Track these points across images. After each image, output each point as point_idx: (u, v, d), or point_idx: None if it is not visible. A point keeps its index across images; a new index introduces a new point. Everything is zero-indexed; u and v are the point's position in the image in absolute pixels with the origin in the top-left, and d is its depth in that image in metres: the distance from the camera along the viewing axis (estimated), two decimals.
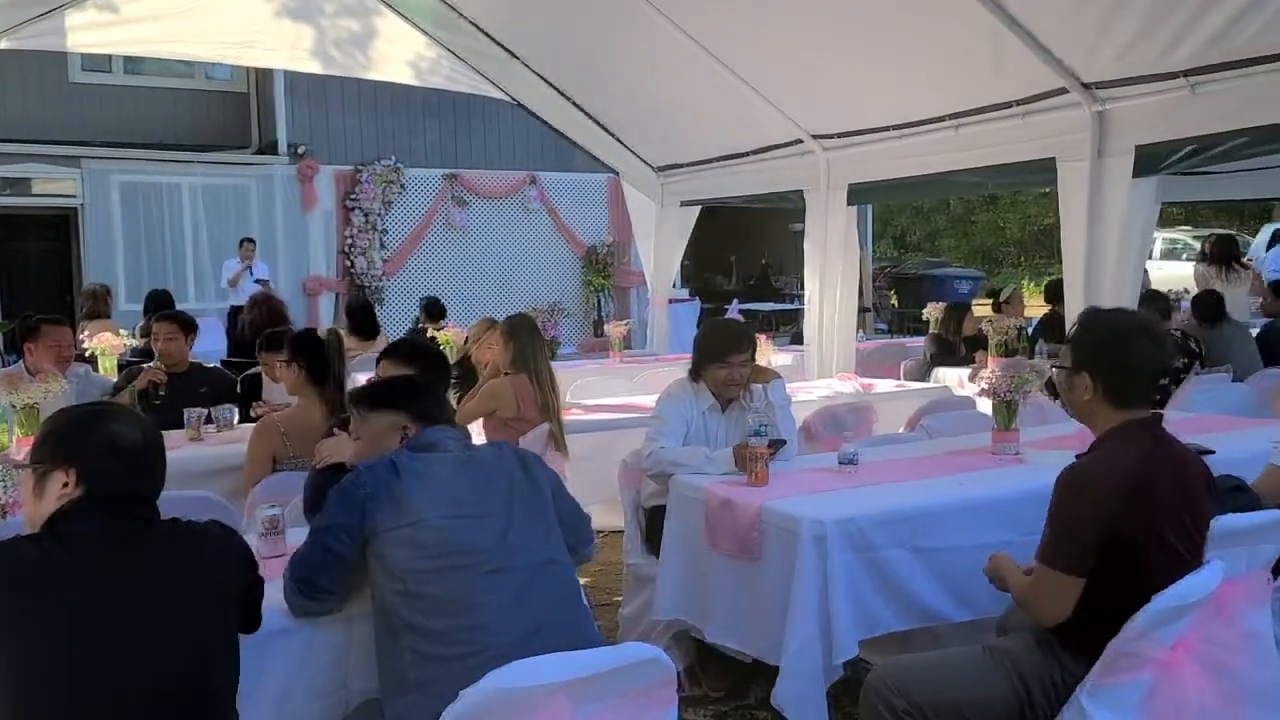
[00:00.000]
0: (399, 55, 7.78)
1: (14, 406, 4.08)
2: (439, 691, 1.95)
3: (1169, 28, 4.65)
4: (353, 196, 13.52)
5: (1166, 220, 23.14)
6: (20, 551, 1.80)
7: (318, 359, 3.82)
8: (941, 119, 6.04)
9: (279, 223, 13.39)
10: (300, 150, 13.43)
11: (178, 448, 4.29)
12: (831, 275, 7.13)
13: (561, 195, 13.96)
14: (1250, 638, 2.73)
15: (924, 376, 7.01)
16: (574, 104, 8.17)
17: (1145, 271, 11.00)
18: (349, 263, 13.52)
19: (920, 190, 7.66)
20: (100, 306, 8.27)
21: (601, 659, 1.94)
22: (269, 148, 13.72)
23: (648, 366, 6.98)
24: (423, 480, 2.26)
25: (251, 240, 12.03)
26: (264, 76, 13.65)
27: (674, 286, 12.63)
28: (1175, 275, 16.62)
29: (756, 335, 6.01)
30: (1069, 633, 2.44)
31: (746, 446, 3.45)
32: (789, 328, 13.02)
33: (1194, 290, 10.07)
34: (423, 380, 2.81)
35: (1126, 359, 2.50)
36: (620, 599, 4.11)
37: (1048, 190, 5.66)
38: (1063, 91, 5.33)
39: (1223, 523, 2.73)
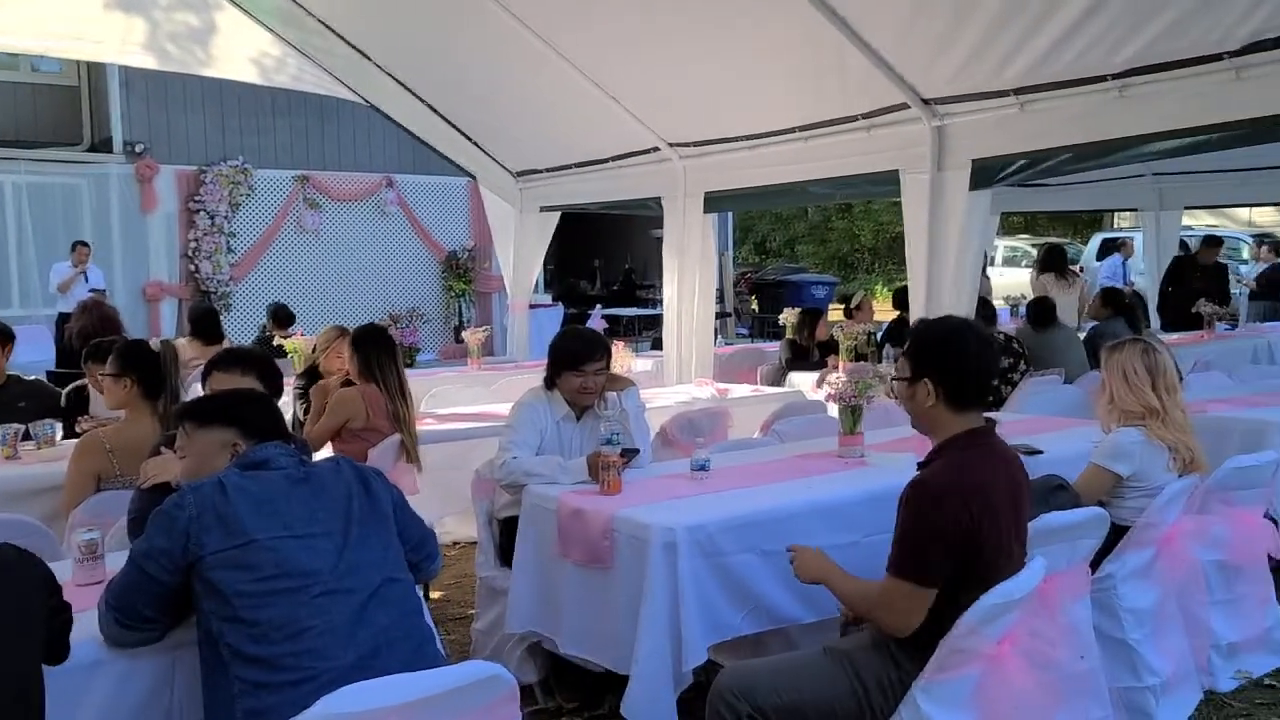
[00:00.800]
0: (241, 52, 7.46)
1: None
2: None
3: (999, 49, 4.89)
4: (197, 198, 12.90)
5: (1008, 229, 24.43)
6: None
7: (151, 372, 3.62)
8: (792, 130, 6.20)
9: (115, 225, 12.66)
10: (138, 149, 12.73)
11: None
12: (689, 282, 7.21)
13: (420, 198, 13.66)
14: (1070, 629, 2.89)
15: (779, 381, 7.17)
16: (429, 107, 8.03)
17: (987, 278, 11.64)
18: (193, 267, 12.90)
19: (773, 199, 7.84)
20: None
21: (440, 679, 1.89)
22: (103, 145, 12.97)
23: (507, 374, 6.91)
24: (253, 500, 2.16)
25: (85, 244, 11.34)
26: (96, 70, 12.89)
27: (536, 292, 12.58)
28: (1015, 282, 17.56)
29: (614, 342, 6.06)
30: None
31: (599, 455, 3.44)
32: (652, 332, 13.13)
33: (1030, 296, 10.66)
34: (255, 392, 2.69)
35: (963, 363, 2.60)
36: (475, 612, 4.04)
37: (898, 199, 5.87)
38: (904, 107, 5.54)
39: (1045, 521, 2.88)
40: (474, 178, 8.88)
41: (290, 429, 3.33)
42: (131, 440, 3.47)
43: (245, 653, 2.03)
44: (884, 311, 11.78)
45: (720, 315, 15.35)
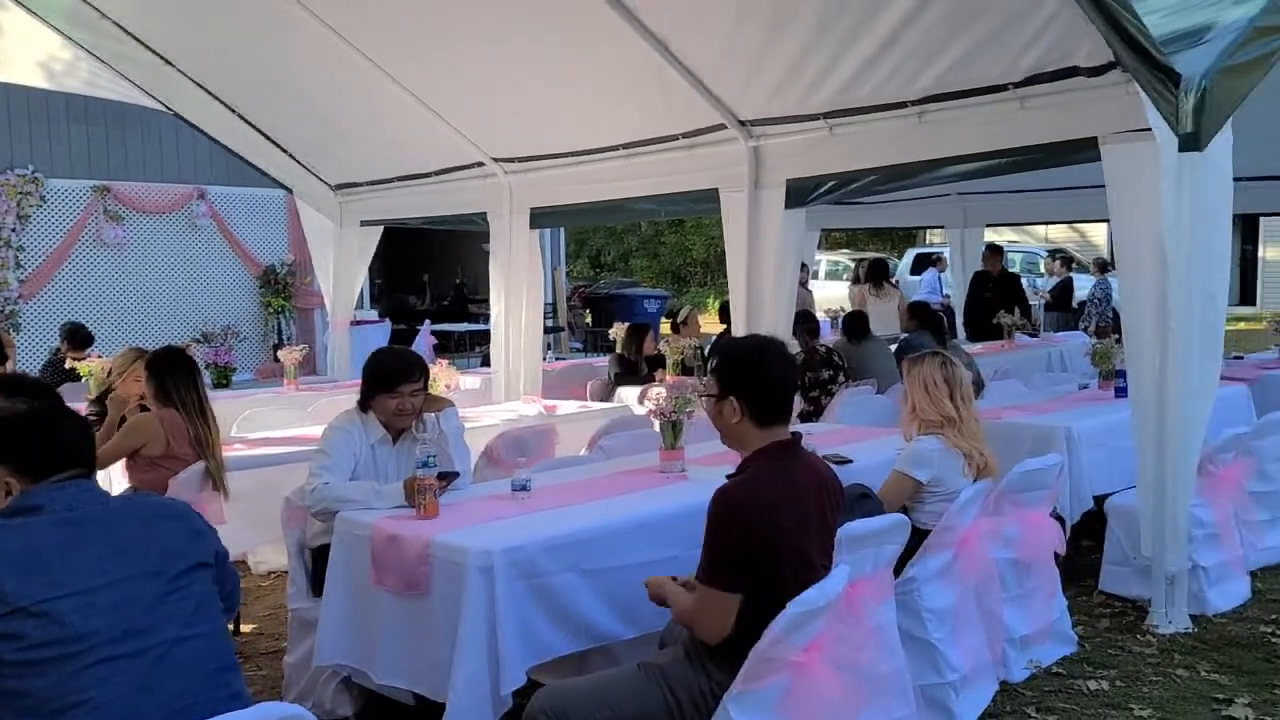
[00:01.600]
0: (26, 54, 6.93)
1: None
2: None
3: (807, 75, 5.10)
4: None
5: (830, 244, 25.50)
6: None
7: None
8: (615, 148, 6.28)
9: None
10: None
11: None
12: (517, 297, 7.18)
13: (235, 211, 13.00)
14: (875, 632, 3.01)
15: (608, 396, 7.21)
16: (239, 116, 7.69)
17: (810, 291, 12.10)
18: None
19: (598, 215, 7.91)
20: None
21: None
22: None
23: (326, 394, 6.67)
24: (14, 559, 1.89)
25: None
26: None
27: (361, 308, 12.22)
28: (837, 295, 18.31)
29: (437, 360, 5.97)
30: (716, 645, 2.57)
31: (415, 479, 3.36)
32: (484, 348, 12.96)
33: (849, 308, 11.15)
34: (33, 413, 2.27)
35: (768, 379, 2.68)
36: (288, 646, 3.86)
37: None
38: (722, 127, 5.71)
39: (849, 528, 2.99)
40: (290, 191, 8.56)
41: None
42: None
43: None
44: (713, 325, 12.06)
45: (553, 330, 15.34)
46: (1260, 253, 23.88)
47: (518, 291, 7.15)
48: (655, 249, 31.20)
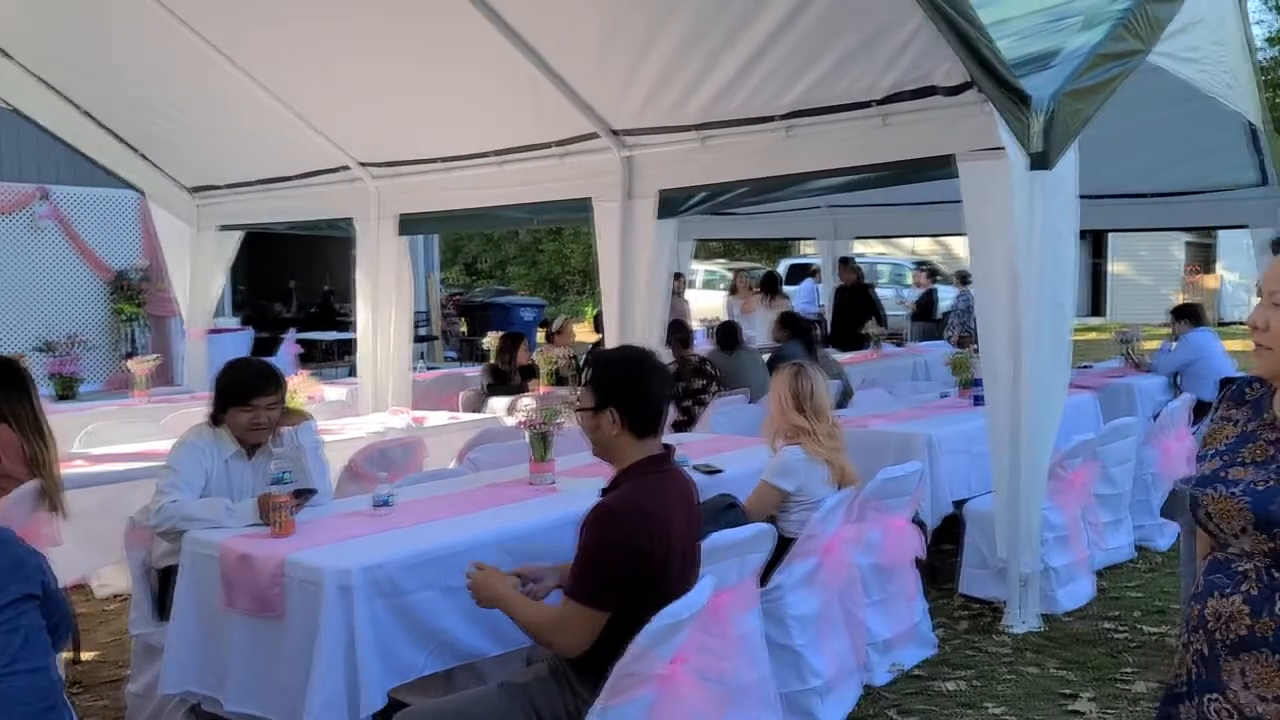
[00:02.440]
0: None
1: None
2: None
3: (679, 87, 5.14)
4: None
5: (708, 254, 25.82)
6: None
7: None
8: (486, 155, 6.19)
9: None
10: None
11: None
12: (385, 306, 6.99)
13: (82, 213, 12.22)
14: (741, 641, 3.02)
15: (480, 407, 7.09)
16: (84, 113, 7.26)
17: (686, 301, 12.20)
18: None
19: (469, 223, 7.80)
20: None
21: None
22: None
23: (180, 406, 6.34)
24: None
25: None
26: None
27: (222, 315, 11.71)
28: (714, 305, 18.53)
29: (299, 371, 5.75)
30: (580, 660, 2.53)
31: (269, 496, 3.21)
32: (352, 358, 12.60)
33: (724, 318, 11.28)
34: None
35: (647, 390, 2.66)
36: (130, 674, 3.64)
37: None
38: (594, 136, 5.69)
39: (715, 539, 3.00)
40: (142, 192, 8.14)
41: None
42: None
43: None
44: (588, 334, 12.03)
45: (426, 339, 15.03)
46: (1109, 267, 25.33)
47: (386, 300, 6.96)
48: (533, 257, 31.02)
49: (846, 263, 11.80)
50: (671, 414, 6.50)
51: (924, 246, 25.07)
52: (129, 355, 10.55)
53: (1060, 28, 4.89)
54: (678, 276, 10.39)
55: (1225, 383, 1.94)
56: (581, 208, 6.00)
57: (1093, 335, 18.02)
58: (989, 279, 4.39)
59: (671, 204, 5.64)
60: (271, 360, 4.00)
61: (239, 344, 10.39)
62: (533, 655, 2.98)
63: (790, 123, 5.01)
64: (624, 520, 2.48)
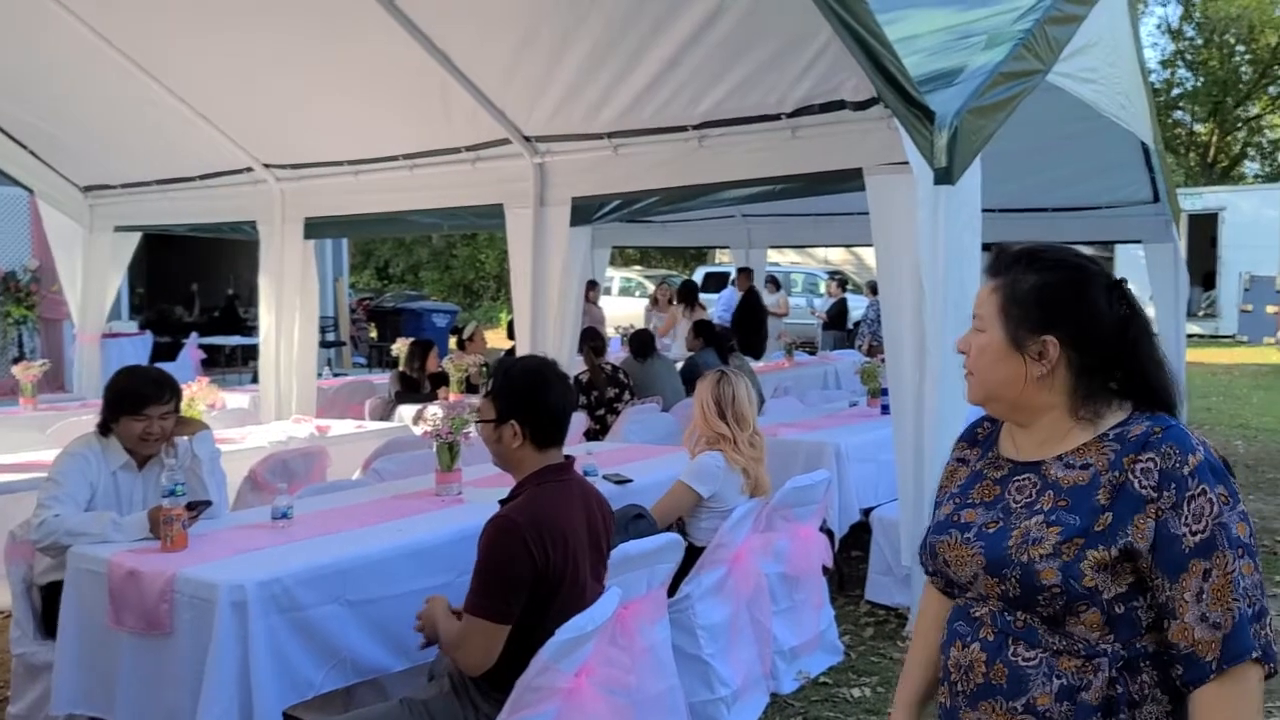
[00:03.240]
0: None
1: None
2: None
3: (592, 94, 5.12)
4: None
5: (625, 261, 25.89)
6: None
7: None
8: (396, 159, 6.08)
9: None
10: None
11: None
12: (289, 311, 6.81)
13: None
14: (648, 652, 3.01)
15: (388, 415, 6.95)
16: None
17: (600, 308, 12.19)
18: None
19: (378, 227, 7.64)
20: None
21: None
22: None
23: (70, 414, 6.07)
24: None
25: None
26: None
27: (119, 319, 11.28)
28: (630, 312, 18.56)
29: (198, 377, 5.55)
30: (482, 675, 2.48)
31: (160, 509, 3.09)
32: (257, 363, 12.28)
33: (639, 325, 11.30)
34: None
35: (550, 403, 2.63)
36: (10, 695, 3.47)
37: None
38: (506, 142, 5.64)
39: (624, 549, 2.99)
40: (31, 191, 7.79)
41: None
42: None
43: None
44: (501, 341, 11.93)
45: (334, 344, 14.73)
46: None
47: (290, 304, 6.78)
48: (446, 262, 30.68)
49: (741, 272, 12.04)
50: (584, 423, 6.47)
51: (837, 256, 25.51)
52: (17, 360, 10.08)
53: (964, 46, 5.01)
54: (592, 284, 10.38)
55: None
56: (494, 214, 5.94)
57: None
58: (895, 290, 4.47)
59: (584, 211, 5.62)
60: (172, 366, 3.86)
61: (137, 348, 10.02)
62: (435, 670, 2.93)
63: (702, 133, 5.04)
64: (520, 531, 2.44)
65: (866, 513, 5.08)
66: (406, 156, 6.06)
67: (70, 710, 3.05)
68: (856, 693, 3.85)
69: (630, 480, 4.15)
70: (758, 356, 9.98)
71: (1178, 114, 30.79)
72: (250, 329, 13.49)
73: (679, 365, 8.21)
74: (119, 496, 3.41)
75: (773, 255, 16.92)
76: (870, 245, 4.77)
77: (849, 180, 4.56)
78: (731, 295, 16.45)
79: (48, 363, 7.09)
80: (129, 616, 2.93)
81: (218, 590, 2.78)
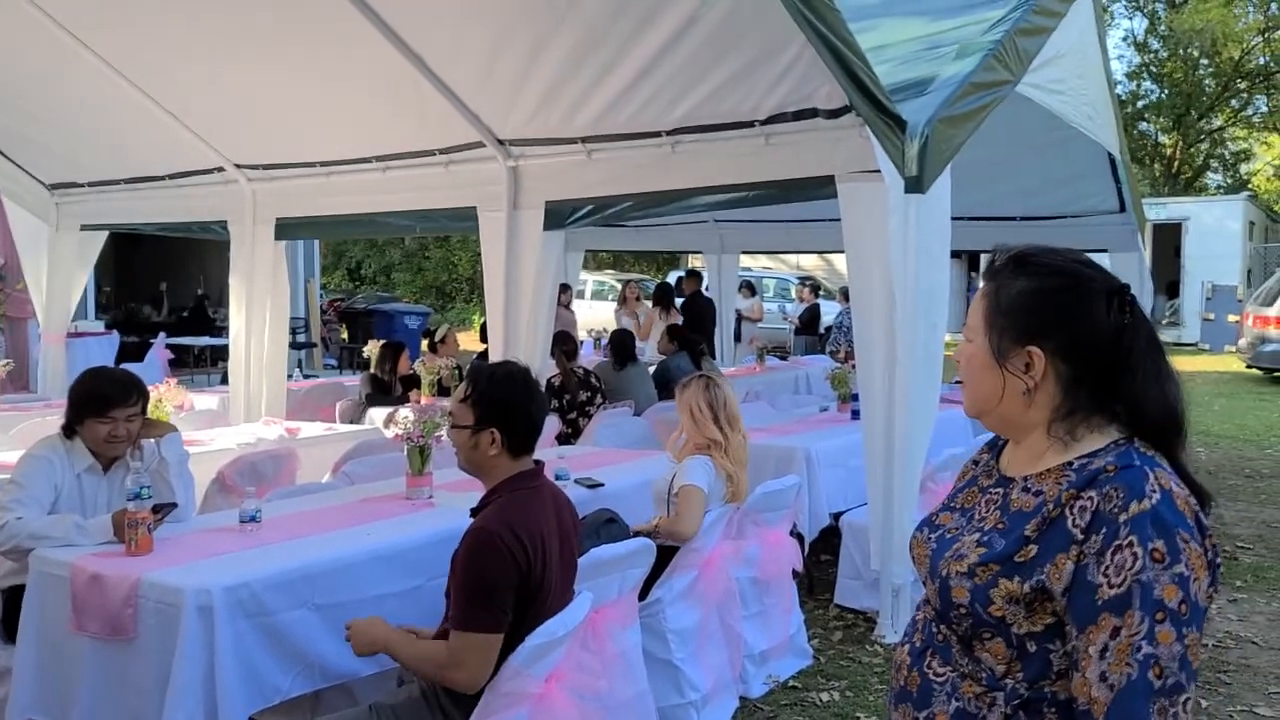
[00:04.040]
0: None
1: None
2: None
3: (566, 99, 5.13)
4: None
5: (598, 264, 25.87)
6: None
7: None
8: (369, 160, 6.06)
9: None
10: None
11: None
12: (259, 312, 6.76)
13: None
14: (618, 657, 3.01)
15: (359, 418, 6.90)
16: None
17: (572, 312, 12.18)
18: None
19: (350, 229, 7.61)
20: None
21: None
22: None
23: (34, 414, 5.98)
24: None
25: None
26: None
27: (86, 318, 11.14)
28: (604, 316, 18.54)
29: (166, 379, 5.49)
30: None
31: (126, 512, 3.06)
32: (226, 364, 12.16)
33: (612, 328, 11.29)
34: None
35: (528, 412, 2.62)
36: None
37: None
38: (480, 145, 5.62)
39: (596, 554, 2.99)
40: None
41: None
42: None
43: None
44: (474, 344, 11.89)
45: (305, 346, 14.61)
46: (980, 285, 26.29)
47: (261, 305, 6.73)
48: (419, 263, 30.50)
49: (689, 275, 12.12)
50: (557, 427, 6.46)
51: (809, 262, 25.65)
52: None
53: (935, 56, 5.07)
54: (564, 288, 10.37)
55: None
56: (467, 216, 5.92)
57: None
58: (866, 297, 4.50)
59: (558, 215, 5.62)
60: (139, 366, 3.82)
61: (104, 348, 9.89)
62: (404, 675, 2.91)
63: (676, 139, 5.06)
64: (499, 540, 2.44)
65: (836, 517, 5.11)
66: (379, 158, 6.03)
67: (28, 716, 3.01)
68: (825, 696, 3.87)
69: (602, 484, 4.15)
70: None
71: (1143, 125, 31.24)
72: (220, 329, 13.38)
73: (651, 369, 8.21)
74: (83, 500, 3.37)
75: (744, 260, 16.97)
76: (841, 251, 4.80)
77: (821, 187, 4.59)
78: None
79: (11, 362, 7.00)
80: (92, 621, 2.90)
81: (183, 595, 2.76)
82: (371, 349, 7.69)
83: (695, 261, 23.94)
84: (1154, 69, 31.32)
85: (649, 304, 12.19)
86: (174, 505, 3.32)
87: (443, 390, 7.09)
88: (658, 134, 5.09)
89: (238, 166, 6.62)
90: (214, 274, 14.99)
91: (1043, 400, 1.39)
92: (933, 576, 1.43)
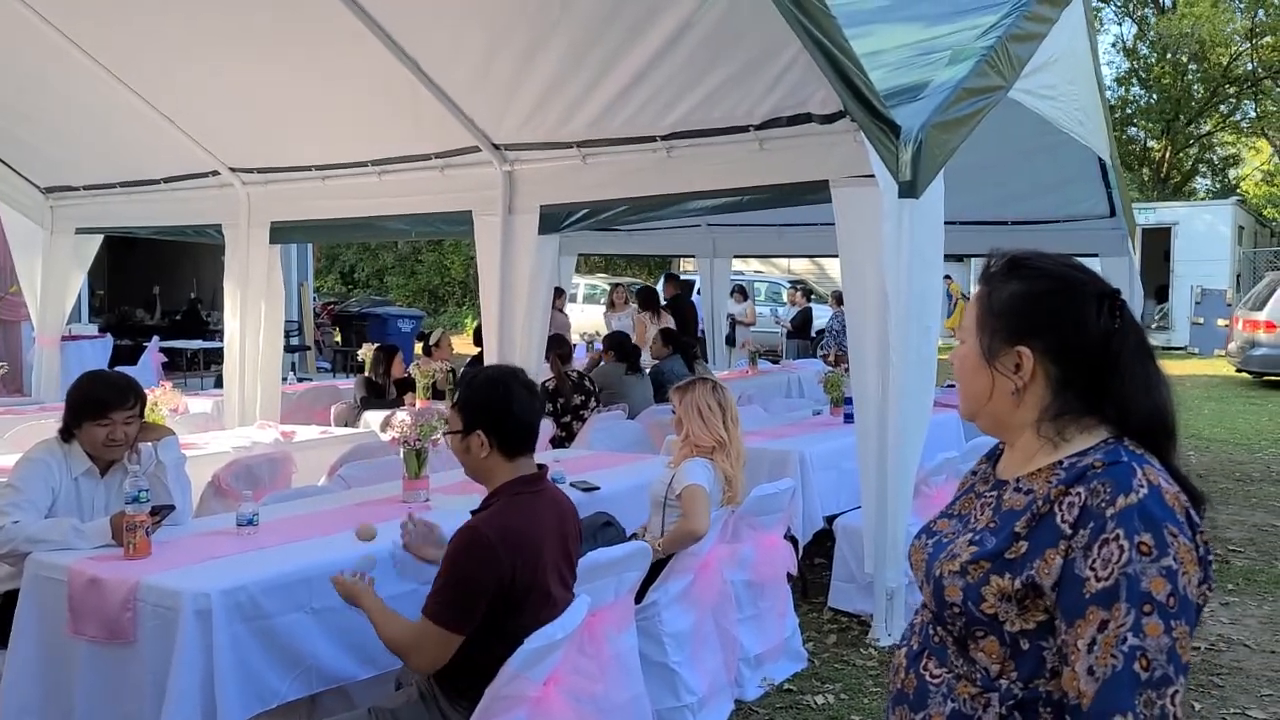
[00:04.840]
0: None
1: None
2: None
3: (561, 104, 5.15)
4: None
5: (590, 268, 25.87)
6: None
7: None
8: (365, 164, 6.07)
9: None
10: None
11: None
12: (254, 316, 6.76)
13: None
14: (615, 660, 3.02)
15: (354, 421, 6.91)
16: None
17: (566, 315, 12.20)
18: None
19: (346, 233, 7.62)
20: None
21: None
22: None
23: (28, 418, 5.97)
24: None
25: None
26: None
27: (80, 321, 11.12)
28: (597, 320, 18.55)
29: (162, 382, 5.50)
30: (449, 684, 2.49)
31: (124, 515, 3.06)
32: (219, 367, 12.13)
33: (604, 332, 11.30)
34: None
35: (516, 412, 2.64)
36: None
37: None
38: (475, 150, 5.64)
39: (593, 557, 3.00)
40: None
41: None
42: None
43: None
44: (467, 347, 11.89)
45: (298, 349, 14.60)
46: (972, 289, 26.39)
47: (255, 309, 6.73)
48: (412, 267, 30.49)
49: (668, 278, 12.16)
50: (551, 430, 6.47)
51: (800, 266, 25.70)
52: None
53: (929, 61, 5.10)
54: (558, 291, 10.37)
55: None
56: (462, 220, 5.94)
57: None
58: (860, 301, 4.53)
59: (552, 220, 5.64)
60: (133, 369, 3.82)
61: (97, 351, 9.88)
62: (402, 679, 2.92)
63: (670, 143, 5.08)
64: (488, 543, 2.45)
65: (830, 520, 5.13)
66: (375, 163, 6.04)
67: None
68: (820, 699, 3.89)
69: (598, 487, 4.17)
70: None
71: (1132, 130, 31.38)
72: (213, 332, 13.36)
73: (646, 372, 8.22)
74: (81, 503, 3.37)
75: (736, 264, 17.01)
76: (834, 256, 4.82)
77: (815, 192, 4.62)
78: (695, 304, 16.52)
79: (5, 365, 6.99)
80: (90, 625, 2.90)
81: (182, 598, 2.76)
82: (366, 353, 7.69)
83: (688, 265, 24.01)
84: (1143, 74, 31.47)
85: (635, 307, 12.22)
86: (172, 508, 3.33)
87: (437, 393, 7.10)
88: (653, 139, 5.11)
89: (233, 170, 6.63)
90: (207, 277, 15.00)
91: (1032, 401, 1.41)
92: (928, 578, 1.45)
